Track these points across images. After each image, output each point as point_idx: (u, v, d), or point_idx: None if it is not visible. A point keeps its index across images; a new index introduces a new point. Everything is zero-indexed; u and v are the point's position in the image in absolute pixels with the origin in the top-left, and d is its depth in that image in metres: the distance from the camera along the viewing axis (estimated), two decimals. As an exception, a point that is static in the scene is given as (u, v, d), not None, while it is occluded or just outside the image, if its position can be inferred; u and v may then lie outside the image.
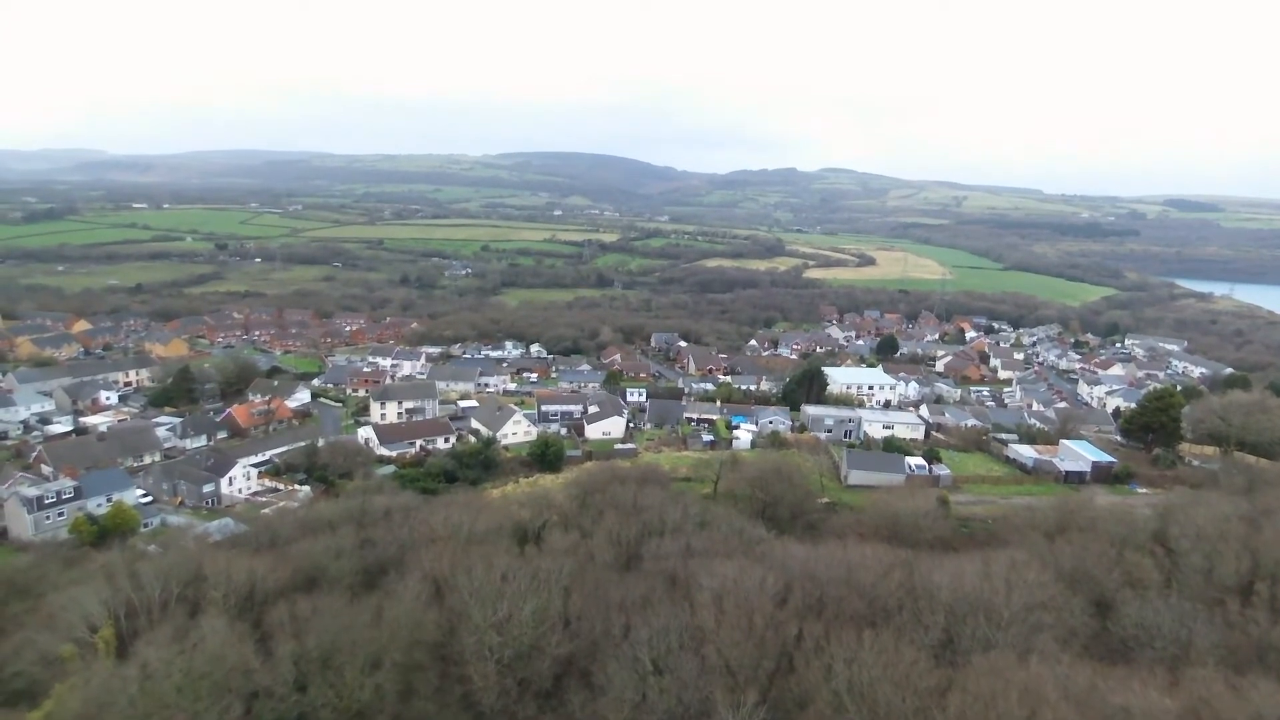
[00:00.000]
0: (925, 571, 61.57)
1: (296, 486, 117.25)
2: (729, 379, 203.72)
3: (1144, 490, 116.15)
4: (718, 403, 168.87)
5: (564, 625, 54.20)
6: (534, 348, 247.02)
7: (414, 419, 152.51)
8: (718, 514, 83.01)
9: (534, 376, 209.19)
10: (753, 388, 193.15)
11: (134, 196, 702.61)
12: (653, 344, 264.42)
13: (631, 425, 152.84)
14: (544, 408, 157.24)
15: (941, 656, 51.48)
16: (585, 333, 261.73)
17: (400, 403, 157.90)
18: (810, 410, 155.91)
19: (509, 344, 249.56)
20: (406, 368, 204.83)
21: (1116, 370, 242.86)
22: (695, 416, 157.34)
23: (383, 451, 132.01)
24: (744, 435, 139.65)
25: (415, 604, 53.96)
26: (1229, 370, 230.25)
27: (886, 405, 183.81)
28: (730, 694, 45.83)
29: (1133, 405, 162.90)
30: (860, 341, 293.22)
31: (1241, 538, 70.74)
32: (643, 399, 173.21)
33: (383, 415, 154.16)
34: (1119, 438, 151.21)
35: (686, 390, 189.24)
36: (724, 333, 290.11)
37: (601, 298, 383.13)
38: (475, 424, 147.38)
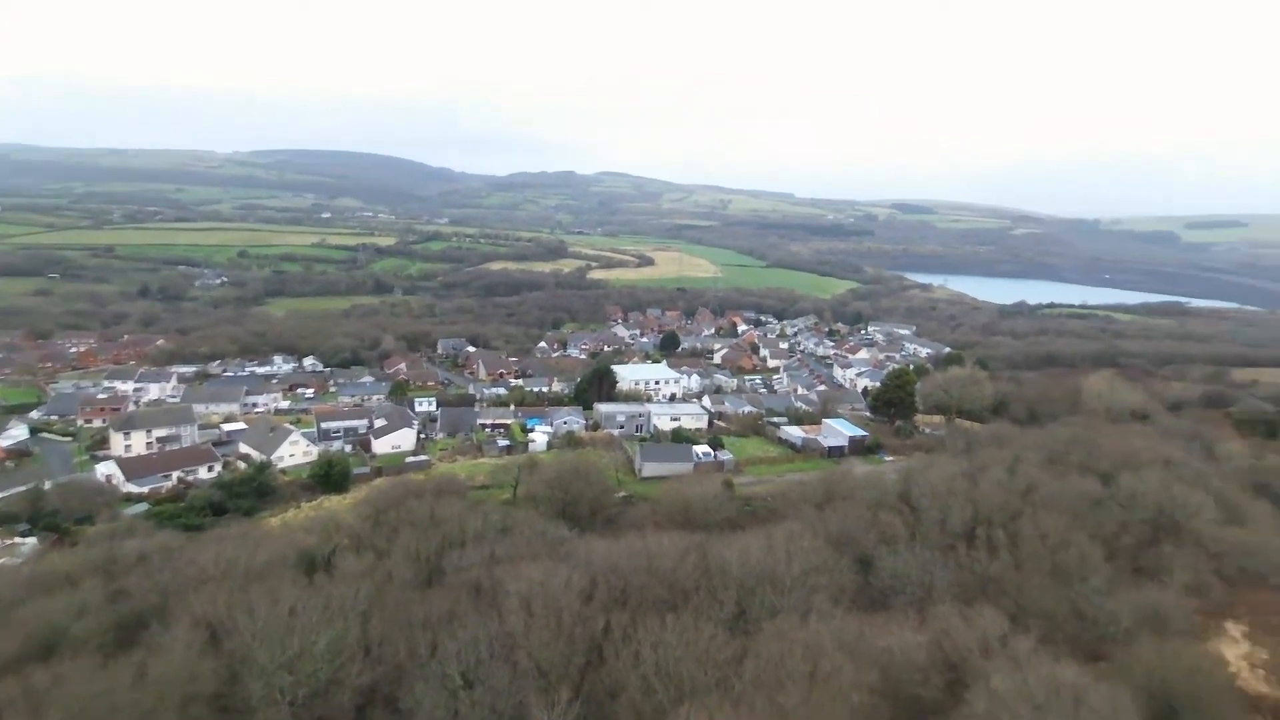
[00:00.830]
0: (717, 552, 66.24)
1: (19, 539, 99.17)
2: (521, 382, 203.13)
3: (890, 458, 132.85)
4: (511, 407, 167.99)
5: (364, 653, 51.51)
6: (308, 361, 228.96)
7: (168, 448, 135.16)
8: (519, 518, 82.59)
9: (310, 392, 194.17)
10: (545, 389, 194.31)
11: None
12: (440, 350, 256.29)
13: (423, 436, 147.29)
14: (324, 425, 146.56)
15: (736, 628, 55.74)
16: (366, 342, 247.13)
17: (149, 431, 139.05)
18: (602, 408, 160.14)
19: (278, 358, 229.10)
20: (154, 391, 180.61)
21: (863, 354, 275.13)
22: (489, 422, 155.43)
23: (131, 488, 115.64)
24: (540, 437, 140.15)
25: (186, 654, 48.43)
26: (948, 349, 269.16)
27: (673, 398, 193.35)
28: (544, 695, 46.33)
29: (877, 384, 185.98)
30: (644, 339, 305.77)
31: (964, 492, 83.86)
32: (433, 408, 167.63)
33: (127, 447, 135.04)
34: (869, 414, 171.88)
35: (478, 396, 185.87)
36: (512, 336, 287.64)
37: (381, 304, 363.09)
38: (244, 448, 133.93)
